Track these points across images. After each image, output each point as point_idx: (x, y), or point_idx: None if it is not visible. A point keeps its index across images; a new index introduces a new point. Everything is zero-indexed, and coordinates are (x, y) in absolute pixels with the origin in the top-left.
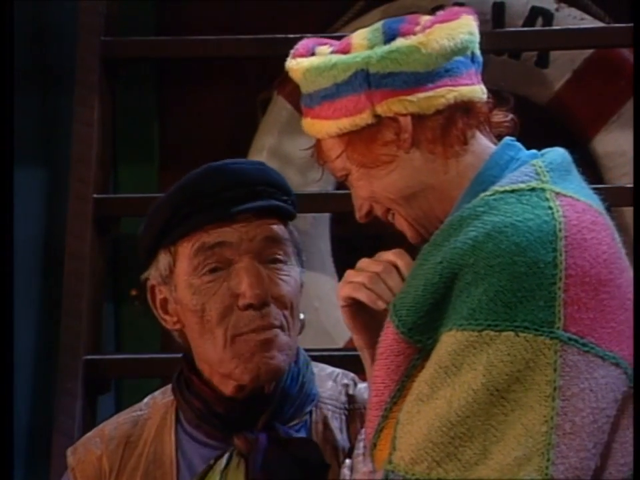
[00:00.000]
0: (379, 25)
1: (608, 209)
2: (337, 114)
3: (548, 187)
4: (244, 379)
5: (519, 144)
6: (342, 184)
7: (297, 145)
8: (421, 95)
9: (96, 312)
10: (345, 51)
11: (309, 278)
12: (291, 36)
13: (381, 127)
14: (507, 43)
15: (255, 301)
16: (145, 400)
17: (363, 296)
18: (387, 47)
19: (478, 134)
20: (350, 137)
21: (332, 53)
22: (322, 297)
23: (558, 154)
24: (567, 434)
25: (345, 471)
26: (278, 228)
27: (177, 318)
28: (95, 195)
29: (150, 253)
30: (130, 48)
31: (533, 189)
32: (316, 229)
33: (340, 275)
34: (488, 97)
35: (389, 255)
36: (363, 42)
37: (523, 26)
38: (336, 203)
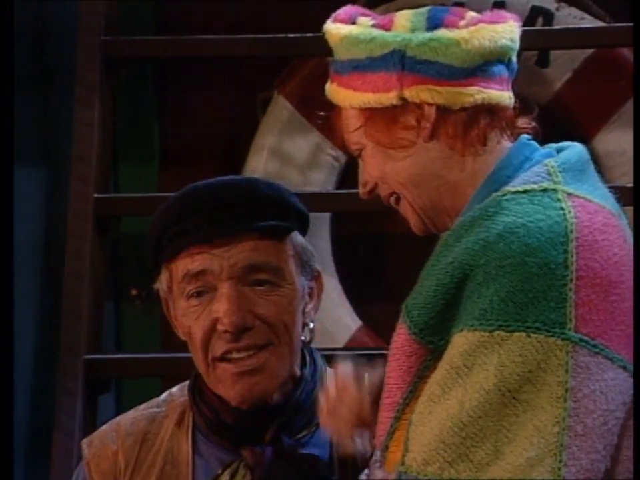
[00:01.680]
0: (424, 9)
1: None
2: (365, 87)
3: (560, 187)
4: (234, 402)
5: (535, 143)
6: (342, 184)
7: (297, 144)
8: (450, 88)
9: (96, 312)
10: (386, 28)
11: None
12: (291, 36)
13: (404, 110)
14: None
15: (231, 329)
16: (163, 396)
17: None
18: (428, 34)
19: (499, 136)
20: (372, 113)
21: (373, 26)
22: (322, 296)
23: (574, 152)
24: (578, 435)
25: (363, 478)
26: (264, 250)
27: (182, 330)
28: (95, 195)
29: (155, 265)
30: (130, 48)
31: (544, 190)
32: (316, 228)
33: (340, 274)
34: (515, 104)
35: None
36: (405, 23)
37: (523, 25)
38: (336, 203)
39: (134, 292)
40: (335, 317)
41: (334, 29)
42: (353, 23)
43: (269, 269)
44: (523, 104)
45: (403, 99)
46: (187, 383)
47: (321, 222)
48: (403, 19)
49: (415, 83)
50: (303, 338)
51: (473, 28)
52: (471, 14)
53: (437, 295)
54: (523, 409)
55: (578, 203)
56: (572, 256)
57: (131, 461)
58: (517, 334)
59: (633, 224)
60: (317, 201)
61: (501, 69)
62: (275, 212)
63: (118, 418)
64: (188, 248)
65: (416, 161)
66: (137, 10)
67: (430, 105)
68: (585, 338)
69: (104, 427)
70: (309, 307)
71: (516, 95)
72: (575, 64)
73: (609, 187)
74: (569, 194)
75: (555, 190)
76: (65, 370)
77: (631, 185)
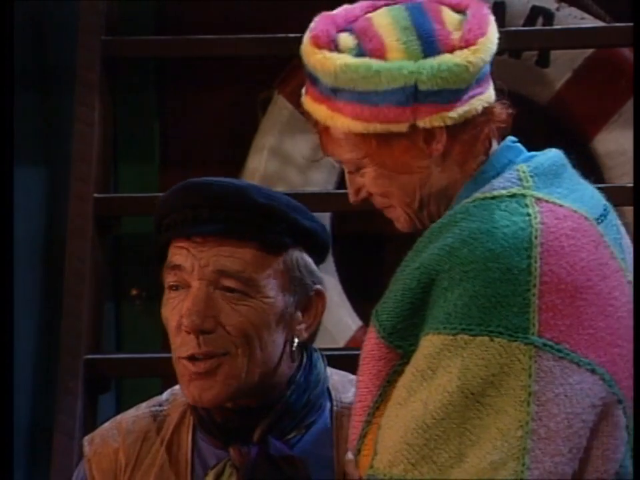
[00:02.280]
0: (407, 22)
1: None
2: (370, 118)
3: (529, 192)
4: (190, 400)
5: (519, 145)
6: (342, 184)
7: (297, 144)
8: (459, 109)
9: (96, 311)
10: (379, 54)
11: None
12: (291, 35)
13: (413, 136)
14: (508, 42)
15: (189, 329)
16: (165, 395)
17: None
18: (435, 64)
19: (493, 139)
20: (377, 140)
21: (362, 50)
22: None
23: (547, 157)
24: (541, 439)
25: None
26: (241, 258)
27: None
28: (96, 194)
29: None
30: (130, 47)
31: (513, 195)
32: None
33: (340, 274)
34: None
35: None
36: (398, 45)
37: (524, 25)
38: (336, 202)
39: (134, 292)
40: (335, 317)
41: (321, 58)
42: (335, 44)
43: (240, 278)
44: (496, 89)
45: (413, 126)
46: None
47: (322, 221)
48: (392, 39)
49: (428, 113)
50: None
51: (474, 48)
52: (452, 17)
53: (404, 299)
54: (486, 413)
55: (546, 207)
56: (535, 262)
57: (132, 459)
58: (480, 338)
59: (633, 224)
60: (317, 200)
61: (487, 67)
62: (263, 224)
63: (119, 416)
64: (173, 240)
65: (424, 181)
66: (137, 10)
67: (441, 128)
68: (549, 342)
69: (105, 424)
70: (301, 325)
71: (515, 94)
72: (575, 64)
73: (610, 187)
74: (538, 199)
75: (523, 195)
76: (65, 370)
77: (630, 184)
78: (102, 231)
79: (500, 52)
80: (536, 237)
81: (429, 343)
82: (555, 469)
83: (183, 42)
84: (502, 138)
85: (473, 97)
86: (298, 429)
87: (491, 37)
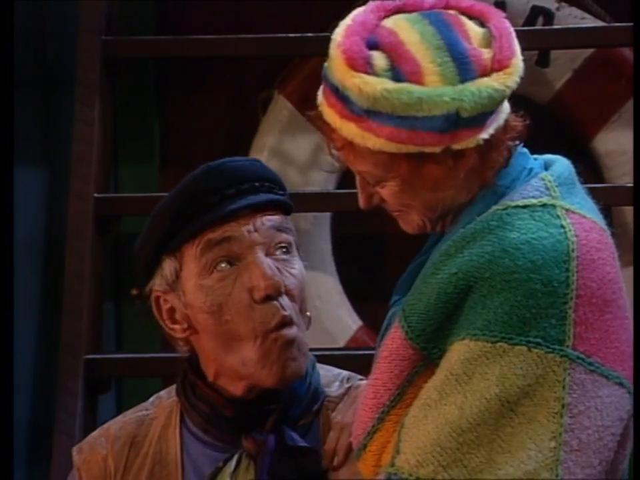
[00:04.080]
0: (438, 41)
1: (607, 212)
2: (407, 141)
3: (558, 203)
4: (268, 381)
5: (527, 152)
6: (342, 184)
7: (297, 144)
8: (490, 129)
9: (96, 311)
10: (416, 78)
11: (309, 277)
12: (291, 35)
13: (443, 155)
14: None
15: (271, 291)
16: (151, 399)
17: None
18: (476, 91)
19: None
20: (407, 160)
21: (397, 72)
22: (322, 296)
23: (564, 166)
24: (573, 450)
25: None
26: (281, 219)
27: (187, 324)
28: (96, 194)
29: (152, 263)
30: (130, 47)
31: (544, 205)
32: (317, 228)
33: (341, 274)
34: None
35: None
36: (434, 68)
37: (524, 25)
38: (337, 202)
39: (134, 291)
40: (335, 316)
41: (360, 82)
42: (369, 64)
43: (287, 236)
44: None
45: (449, 148)
46: (175, 385)
47: (321, 222)
48: (428, 63)
49: (466, 137)
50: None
51: (508, 70)
52: (475, 30)
53: (438, 303)
54: (519, 421)
55: (575, 219)
56: (573, 275)
57: (121, 465)
58: (518, 347)
59: (633, 224)
60: (317, 200)
61: None
62: (281, 189)
63: (107, 424)
64: (208, 227)
65: (447, 194)
66: (137, 10)
67: (471, 148)
68: (582, 356)
69: (94, 433)
70: (305, 292)
71: (515, 94)
72: (576, 64)
73: (610, 187)
74: (567, 210)
75: (554, 205)
76: (65, 370)
77: (630, 184)
78: (102, 231)
79: None
80: (573, 250)
81: (466, 348)
82: None
83: (182, 42)
84: None
85: (498, 113)
86: (306, 417)
87: (519, 55)
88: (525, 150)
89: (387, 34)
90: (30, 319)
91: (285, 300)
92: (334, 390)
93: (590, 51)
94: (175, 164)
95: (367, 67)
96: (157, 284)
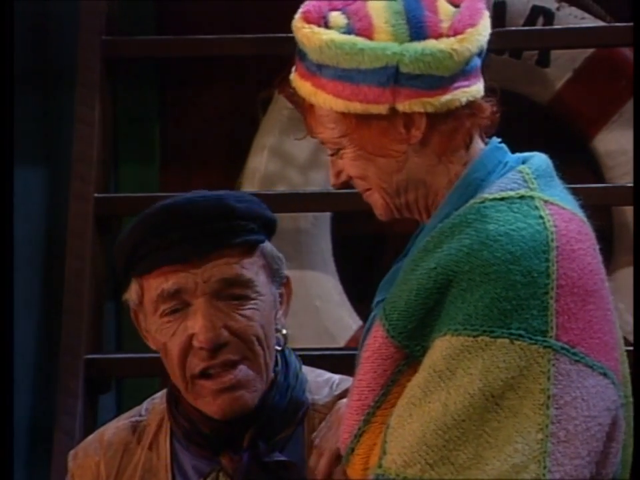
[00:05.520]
0: (399, 6)
1: (607, 212)
2: (351, 96)
3: (537, 194)
4: (216, 415)
5: (504, 146)
6: (342, 184)
7: (297, 144)
8: (442, 98)
9: (97, 311)
10: (367, 35)
11: (310, 277)
12: (291, 35)
13: (393, 119)
14: (508, 42)
15: (207, 345)
16: (145, 404)
17: None
18: (419, 48)
19: (477, 137)
20: (357, 120)
21: (350, 28)
22: (323, 297)
23: (542, 159)
24: (561, 442)
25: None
26: (237, 264)
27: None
28: (96, 194)
29: (124, 277)
30: (131, 47)
31: (522, 197)
32: (317, 228)
33: (341, 274)
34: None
35: None
36: (386, 28)
37: (524, 25)
38: (337, 202)
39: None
40: (335, 317)
41: (309, 32)
42: (325, 21)
43: (242, 282)
44: (488, 88)
45: (393, 109)
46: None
47: (321, 222)
48: (381, 20)
49: (408, 97)
50: (277, 347)
51: (460, 37)
52: (446, 8)
53: (418, 299)
54: (505, 415)
55: (554, 210)
56: (553, 265)
57: (113, 471)
58: (500, 340)
59: (633, 224)
60: (317, 200)
61: (477, 62)
62: (246, 225)
63: (102, 428)
64: (160, 267)
65: (401, 167)
66: (138, 10)
67: (421, 114)
68: (566, 346)
69: (89, 437)
70: (279, 313)
71: (515, 94)
72: (576, 63)
73: (610, 187)
74: (545, 201)
75: (532, 197)
76: (65, 369)
77: (631, 184)
78: (102, 231)
79: (500, 52)
80: (552, 240)
81: (448, 344)
82: (575, 472)
83: (183, 42)
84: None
85: (457, 87)
86: (287, 429)
87: (481, 29)
88: (502, 145)
89: (359, 2)
90: (30, 318)
91: (231, 346)
92: (322, 397)
93: (590, 50)
94: (175, 164)
95: (321, 21)
96: (131, 298)
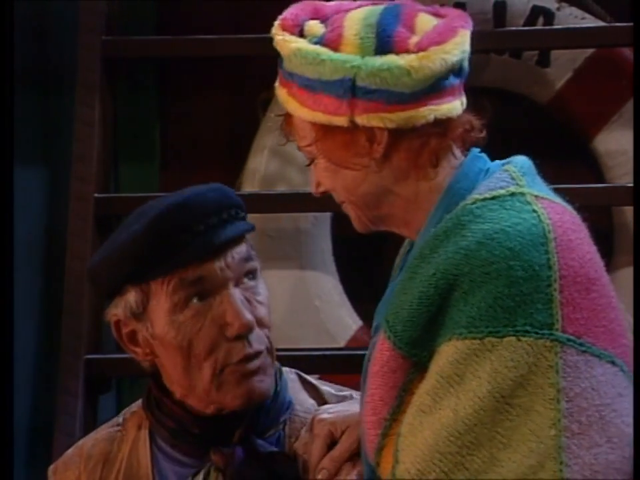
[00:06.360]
0: (373, 20)
1: (607, 212)
2: (315, 106)
3: (526, 190)
4: (235, 404)
5: (484, 156)
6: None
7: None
8: (402, 113)
9: (97, 311)
10: (334, 46)
11: (310, 277)
12: None
13: (355, 132)
14: (508, 42)
15: (244, 331)
16: (122, 414)
17: None
18: (377, 63)
19: (452, 152)
20: (323, 131)
21: (322, 39)
22: (322, 296)
23: (524, 160)
24: (575, 434)
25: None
26: (247, 248)
27: (149, 350)
28: (96, 195)
29: (113, 289)
30: (131, 47)
31: (512, 194)
32: (317, 228)
33: (341, 274)
34: (468, 109)
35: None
36: (354, 39)
37: (524, 25)
38: (336, 202)
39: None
40: (335, 317)
41: (281, 39)
42: (300, 29)
43: (253, 262)
44: (478, 105)
45: (353, 122)
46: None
47: (321, 222)
48: (352, 31)
49: (366, 110)
50: None
51: (422, 54)
52: (424, 20)
53: (421, 307)
54: (516, 414)
55: (546, 204)
56: (553, 256)
57: None
58: (507, 339)
59: (633, 224)
60: (317, 200)
61: (452, 80)
62: (242, 213)
63: (81, 441)
64: (182, 265)
65: (367, 181)
66: (138, 10)
67: (381, 129)
68: (572, 337)
69: (68, 451)
70: None
71: (515, 94)
72: (576, 63)
73: (610, 187)
74: (536, 196)
75: (522, 193)
76: (65, 370)
77: (631, 184)
78: (102, 231)
79: (500, 52)
80: (549, 232)
81: (454, 349)
82: (595, 460)
83: (183, 42)
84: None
85: (422, 104)
86: (274, 427)
87: (449, 48)
88: (482, 154)
89: (342, 13)
90: (30, 319)
91: (254, 334)
92: (303, 401)
93: (590, 50)
94: (175, 164)
95: (295, 30)
96: (119, 310)
